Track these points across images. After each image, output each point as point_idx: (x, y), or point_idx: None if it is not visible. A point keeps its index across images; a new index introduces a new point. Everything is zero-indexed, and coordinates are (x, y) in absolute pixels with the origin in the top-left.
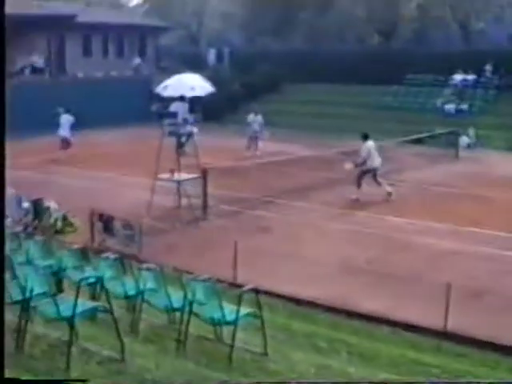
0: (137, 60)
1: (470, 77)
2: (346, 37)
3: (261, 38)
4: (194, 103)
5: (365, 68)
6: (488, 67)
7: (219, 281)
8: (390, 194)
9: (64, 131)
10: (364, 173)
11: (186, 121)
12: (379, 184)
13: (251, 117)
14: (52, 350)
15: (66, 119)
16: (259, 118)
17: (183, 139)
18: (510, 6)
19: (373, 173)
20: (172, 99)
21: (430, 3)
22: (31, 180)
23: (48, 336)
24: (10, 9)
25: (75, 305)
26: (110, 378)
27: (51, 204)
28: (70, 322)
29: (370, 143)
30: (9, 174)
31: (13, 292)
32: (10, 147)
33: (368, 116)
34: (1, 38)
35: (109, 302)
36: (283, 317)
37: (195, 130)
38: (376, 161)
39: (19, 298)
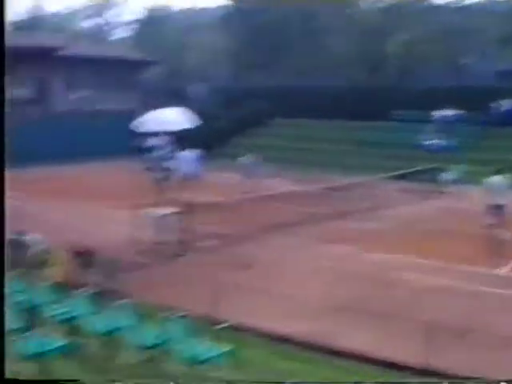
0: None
1: (457, 112)
2: (333, 72)
3: (247, 73)
4: (179, 138)
5: (352, 104)
6: (474, 103)
7: (198, 317)
8: None
9: None
10: None
11: (165, 155)
12: None
13: (247, 156)
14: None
15: None
16: (252, 156)
17: (162, 174)
18: (497, 42)
19: None
20: (151, 134)
21: (415, 40)
22: (12, 213)
23: (21, 373)
24: None
25: (45, 342)
26: None
27: (33, 237)
28: (41, 358)
29: None
30: None
31: None
32: None
33: (354, 151)
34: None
35: (83, 339)
36: (262, 353)
37: (195, 169)
38: None
39: None
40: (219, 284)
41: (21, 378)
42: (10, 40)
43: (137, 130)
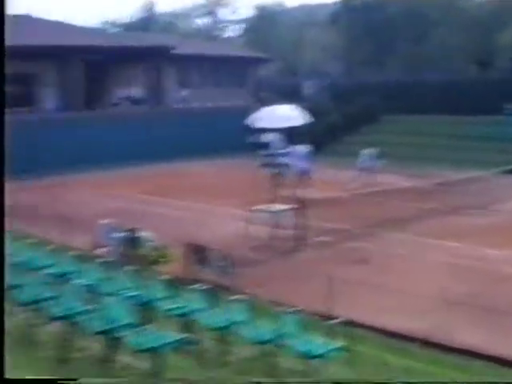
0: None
1: None
2: (443, 66)
3: (358, 69)
4: (293, 134)
5: (463, 98)
6: None
7: (312, 313)
8: None
9: None
10: None
11: (280, 152)
12: None
13: (365, 151)
14: (139, 381)
15: None
16: (372, 151)
17: (278, 170)
18: None
19: None
20: (265, 131)
21: None
22: (125, 210)
23: (134, 366)
24: (108, 41)
25: (161, 336)
26: None
27: (146, 234)
28: (158, 352)
29: None
30: (104, 203)
31: (97, 322)
32: (105, 177)
33: (466, 146)
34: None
35: (197, 334)
36: (376, 350)
37: (308, 165)
38: None
39: (104, 328)
40: (334, 279)
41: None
42: (123, 40)
43: (252, 126)
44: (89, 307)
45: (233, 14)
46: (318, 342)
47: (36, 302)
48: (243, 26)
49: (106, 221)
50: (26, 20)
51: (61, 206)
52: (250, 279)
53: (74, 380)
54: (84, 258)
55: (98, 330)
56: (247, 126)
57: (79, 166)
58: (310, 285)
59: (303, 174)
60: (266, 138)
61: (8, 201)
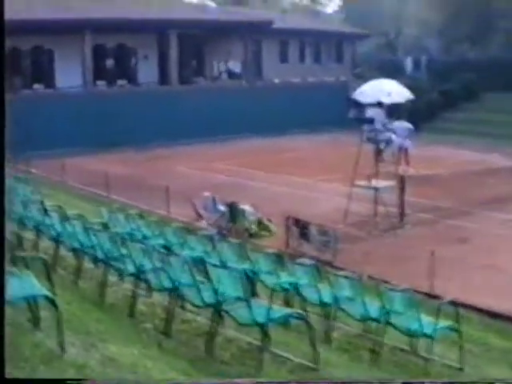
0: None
1: None
2: None
3: (458, 46)
4: (392, 110)
5: None
6: None
7: (415, 291)
8: None
9: None
10: None
11: (384, 127)
12: None
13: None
14: (243, 355)
15: None
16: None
17: (382, 145)
18: None
19: None
20: (369, 105)
21: None
22: (226, 183)
23: (239, 340)
24: (206, 15)
25: (270, 310)
26: None
27: (246, 207)
28: (264, 327)
29: None
30: (204, 176)
31: (205, 295)
32: (205, 150)
33: None
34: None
35: (304, 309)
36: (479, 330)
37: (408, 142)
38: None
39: (211, 300)
40: (435, 258)
41: (22, 376)
42: (222, 15)
43: (355, 101)
44: (194, 279)
45: None
46: (425, 321)
47: (140, 273)
48: (343, 1)
49: (207, 194)
50: None
51: (161, 178)
52: (352, 255)
53: (79, 380)
54: (186, 229)
55: (204, 302)
56: (349, 100)
57: (179, 138)
58: (411, 263)
59: (404, 151)
60: (370, 112)
61: (110, 172)
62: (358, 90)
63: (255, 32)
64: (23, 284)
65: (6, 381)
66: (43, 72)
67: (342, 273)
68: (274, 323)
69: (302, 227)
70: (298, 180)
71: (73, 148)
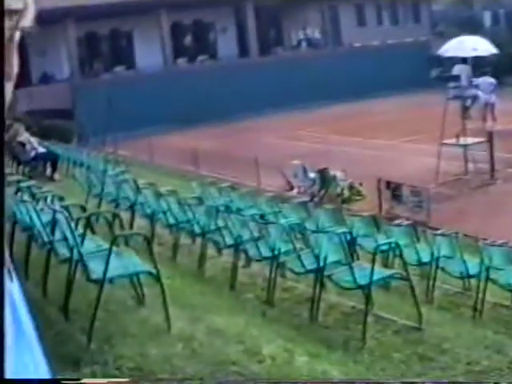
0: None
1: None
2: None
3: None
4: (476, 66)
5: None
6: None
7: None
8: None
9: None
10: None
11: (470, 83)
12: None
13: None
14: (346, 319)
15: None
16: None
17: (468, 102)
18: None
19: None
20: (453, 63)
21: None
22: (313, 150)
23: (342, 305)
24: None
25: (372, 272)
26: (407, 348)
27: (337, 173)
28: (367, 290)
29: None
30: (291, 145)
31: (305, 261)
32: (289, 119)
33: None
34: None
35: (405, 270)
36: None
37: (493, 97)
38: None
39: (312, 266)
40: None
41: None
42: None
43: (437, 59)
44: (294, 246)
45: None
46: None
47: (238, 244)
48: None
49: (296, 162)
50: None
51: (249, 149)
52: (445, 214)
53: (77, 380)
54: (279, 199)
55: (305, 268)
56: (431, 59)
57: (263, 109)
58: (506, 218)
59: (489, 106)
60: (456, 69)
61: (197, 148)
62: (442, 48)
63: None
64: (126, 262)
65: (5, 381)
66: (123, 54)
67: (439, 231)
68: (376, 285)
69: (393, 189)
70: (386, 143)
71: (158, 127)
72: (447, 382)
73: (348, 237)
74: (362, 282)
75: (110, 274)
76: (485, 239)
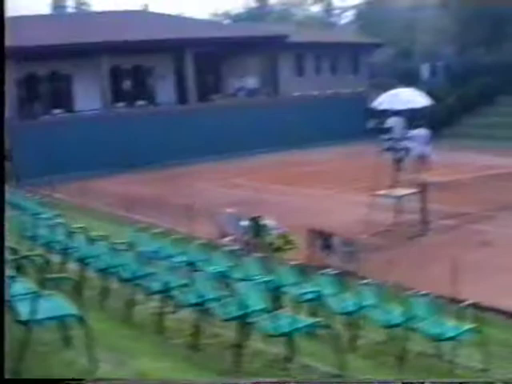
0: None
1: None
2: None
3: (473, 50)
4: (411, 118)
5: None
6: None
7: (438, 297)
8: None
9: None
10: None
11: (403, 135)
12: None
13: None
14: (272, 366)
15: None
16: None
17: (401, 154)
18: None
19: None
20: (388, 115)
21: None
22: (246, 198)
23: (266, 352)
24: (221, 33)
25: (294, 320)
26: None
27: (268, 222)
28: (290, 337)
29: None
30: (225, 192)
31: (230, 308)
32: (225, 167)
33: None
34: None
35: (327, 319)
36: (504, 333)
37: (428, 149)
38: None
39: (237, 313)
40: (458, 263)
41: (22, 376)
42: (236, 31)
43: (373, 110)
44: (220, 294)
45: (346, 1)
46: (448, 325)
47: (165, 290)
48: (355, 12)
49: (229, 210)
50: (140, 15)
51: (183, 195)
52: (375, 265)
53: (79, 380)
54: (210, 246)
55: (230, 316)
56: (367, 110)
57: (199, 156)
58: (435, 269)
59: (423, 158)
60: (389, 122)
61: (132, 193)
62: (377, 100)
63: (270, 47)
64: (53, 305)
65: (5, 381)
66: (62, 97)
67: (366, 281)
68: (300, 333)
69: (325, 239)
70: (319, 192)
71: (94, 171)
72: (447, 381)
73: (274, 285)
74: (286, 329)
75: (38, 316)
76: (410, 290)
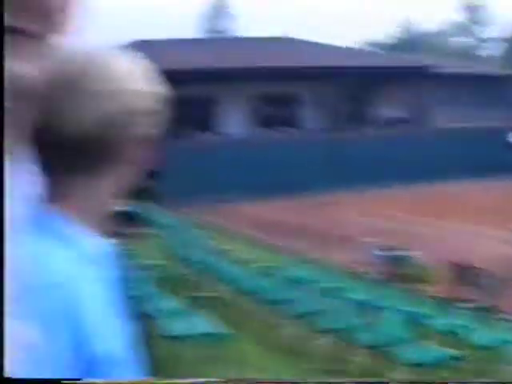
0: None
1: None
2: None
3: None
4: None
5: None
6: None
7: None
8: None
9: None
10: None
11: None
12: None
13: None
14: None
15: None
16: None
17: None
18: None
19: None
20: None
21: None
22: (388, 229)
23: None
24: (364, 61)
25: (439, 351)
26: None
27: (410, 253)
28: (428, 367)
29: None
30: (367, 222)
31: (367, 336)
32: (369, 196)
33: None
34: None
35: (465, 351)
36: None
37: None
38: None
39: (375, 342)
40: None
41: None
42: (384, 61)
43: None
44: (360, 321)
45: (488, 33)
46: None
47: (307, 315)
48: (499, 44)
49: (370, 239)
50: (287, 42)
51: (326, 223)
52: None
53: (77, 380)
54: (351, 274)
55: (370, 343)
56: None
57: (347, 185)
58: None
59: None
60: None
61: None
62: None
63: (416, 77)
64: (202, 322)
65: (6, 381)
66: (208, 119)
67: (506, 316)
68: (439, 364)
69: (467, 273)
70: (463, 225)
71: (242, 193)
72: (451, 382)
73: (414, 315)
74: (426, 360)
75: (189, 332)
76: None
